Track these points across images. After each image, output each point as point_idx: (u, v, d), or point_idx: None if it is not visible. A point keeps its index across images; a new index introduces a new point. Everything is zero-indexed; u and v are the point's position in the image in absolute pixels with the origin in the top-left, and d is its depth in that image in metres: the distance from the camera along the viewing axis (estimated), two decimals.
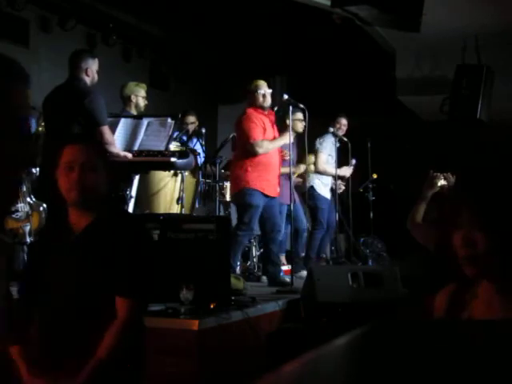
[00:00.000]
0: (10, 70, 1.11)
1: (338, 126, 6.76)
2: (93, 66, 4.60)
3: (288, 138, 5.41)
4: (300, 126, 6.30)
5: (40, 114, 5.65)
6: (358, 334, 1.09)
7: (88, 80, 4.56)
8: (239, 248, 5.49)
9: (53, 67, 6.79)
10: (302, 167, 6.44)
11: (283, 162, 5.92)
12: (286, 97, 5.43)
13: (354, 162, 6.91)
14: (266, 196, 5.40)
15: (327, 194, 6.67)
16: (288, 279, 5.34)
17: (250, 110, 5.44)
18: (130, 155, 4.69)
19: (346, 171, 6.85)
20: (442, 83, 6.98)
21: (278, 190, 5.54)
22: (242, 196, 5.38)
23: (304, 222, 6.47)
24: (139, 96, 5.54)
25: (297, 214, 6.10)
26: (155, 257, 3.57)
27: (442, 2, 5.74)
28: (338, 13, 5.92)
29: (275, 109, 5.71)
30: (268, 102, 5.45)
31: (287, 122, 5.71)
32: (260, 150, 5.32)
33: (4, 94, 1.08)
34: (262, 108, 5.45)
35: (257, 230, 5.73)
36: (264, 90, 5.43)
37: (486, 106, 6.57)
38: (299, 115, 6.23)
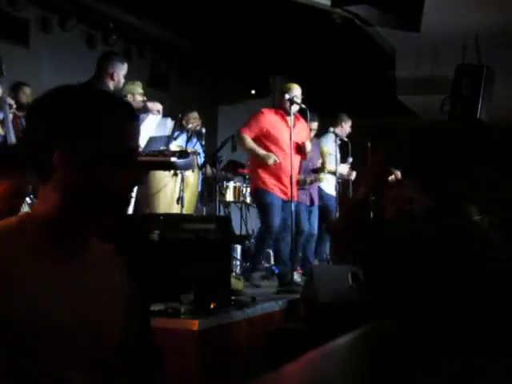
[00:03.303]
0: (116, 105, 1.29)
1: (339, 126, 6.77)
2: (120, 71, 4.61)
3: (270, 161, 5.35)
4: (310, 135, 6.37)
5: None
6: (359, 333, 1.09)
7: (112, 84, 4.56)
8: (262, 247, 5.55)
9: (53, 67, 6.79)
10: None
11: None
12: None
13: (350, 160, 6.90)
14: (279, 197, 5.43)
15: (333, 193, 6.66)
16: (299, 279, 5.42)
17: (265, 109, 5.52)
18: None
19: (344, 169, 6.82)
20: (442, 83, 6.98)
21: (289, 193, 5.37)
22: (256, 195, 5.54)
23: (314, 227, 6.30)
24: (136, 94, 5.56)
25: (308, 216, 6.10)
26: (155, 257, 3.59)
27: (442, 1, 5.73)
28: (338, 13, 5.92)
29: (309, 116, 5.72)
30: (294, 107, 5.44)
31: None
32: (238, 141, 5.45)
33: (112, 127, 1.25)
34: (285, 111, 5.46)
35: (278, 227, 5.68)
36: (294, 95, 5.44)
37: (486, 106, 6.57)
38: (313, 125, 6.30)
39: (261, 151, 5.37)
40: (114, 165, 1.23)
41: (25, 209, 4.84)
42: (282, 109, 5.50)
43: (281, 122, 5.48)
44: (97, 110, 1.24)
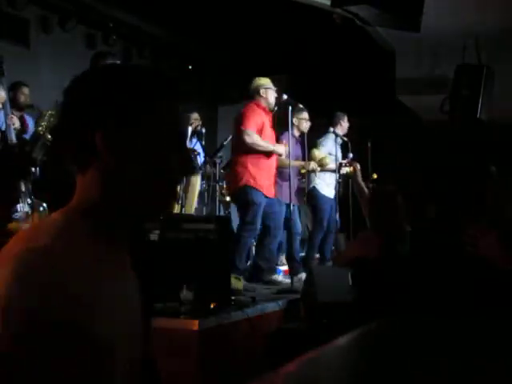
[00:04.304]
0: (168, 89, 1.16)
1: (338, 125, 6.77)
2: None
3: (281, 151, 5.37)
4: (305, 126, 6.33)
5: (41, 114, 5.67)
6: (358, 334, 1.09)
7: None
8: (244, 248, 5.40)
9: (53, 67, 6.80)
10: (312, 164, 6.34)
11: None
12: (285, 97, 5.43)
13: (351, 155, 6.86)
14: (265, 196, 5.37)
15: (330, 194, 6.61)
16: (287, 280, 5.35)
17: (252, 104, 5.44)
18: None
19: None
20: (441, 83, 6.97)
21: (273, 190, 5.50)
22: (244, 194, 5.33)
23: (298, 225, 6.25)
24: None
25: (293, 215, 6.03)
26: (155, 257, 3.58)
27: (442, 1, 5.73)
28: (338, 13, 5.91)
29: (275, 108, 5.68)
30: (274, 102, 5.45)
31: (293, 121, 5.77)
32: (247, 139, 5.24)
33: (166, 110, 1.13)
34: (268, 107, 5.45)
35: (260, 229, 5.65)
36: (274, 90, 5.45)
37: (486, 105, 6.56)
38: (305, 115, 6.27)
39: (270, 145, 5.34)
40: (163, 148, 1.10)
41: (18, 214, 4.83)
42: (265, 105, 5.47)
43: (266, 118, 5.47)
44: (146, 88, 1.11)
